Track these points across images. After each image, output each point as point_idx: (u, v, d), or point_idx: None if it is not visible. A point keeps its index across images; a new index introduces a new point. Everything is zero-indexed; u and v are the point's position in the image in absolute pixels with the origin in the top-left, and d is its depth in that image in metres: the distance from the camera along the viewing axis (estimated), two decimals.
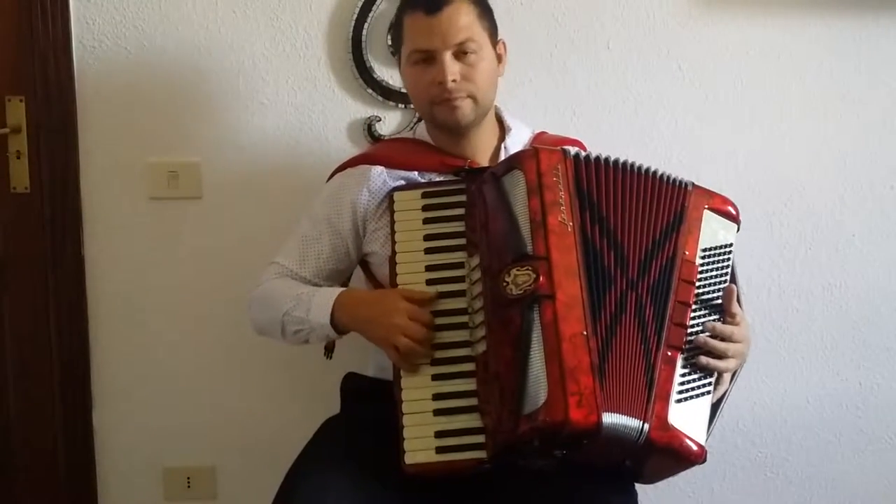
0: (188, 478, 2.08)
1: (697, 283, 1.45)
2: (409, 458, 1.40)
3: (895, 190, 2.02)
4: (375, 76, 1.92)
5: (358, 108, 1.95)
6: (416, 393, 1.43)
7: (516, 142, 1.68)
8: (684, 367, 1.39)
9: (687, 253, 1.45)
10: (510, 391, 1.32)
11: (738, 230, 1.55)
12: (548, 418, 1.28)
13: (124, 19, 1.92)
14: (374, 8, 1.89)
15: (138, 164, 1.96)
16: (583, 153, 1.50)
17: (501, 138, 1.68)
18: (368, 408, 1.51)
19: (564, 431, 1.28)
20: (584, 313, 1.35)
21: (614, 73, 1.95)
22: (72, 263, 1.98)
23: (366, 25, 1.90)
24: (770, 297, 2.03)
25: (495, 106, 1.70)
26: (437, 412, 1.41)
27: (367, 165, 1.65)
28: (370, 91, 1.93)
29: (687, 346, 1.40)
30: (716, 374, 1.43)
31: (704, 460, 1.37)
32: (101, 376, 2.04)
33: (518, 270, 1.37)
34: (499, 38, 1.66)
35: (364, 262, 1.68)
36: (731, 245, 1.52)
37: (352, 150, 1.91)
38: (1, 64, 1.94)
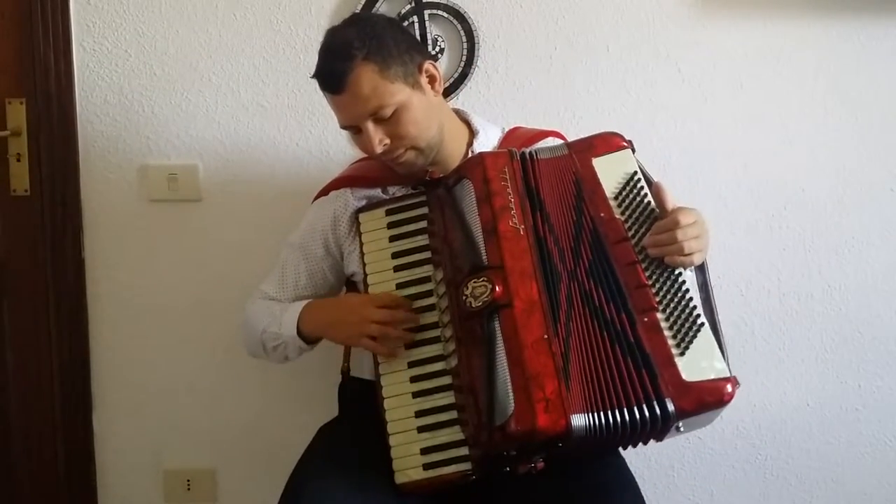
0: (188, 480, 2.08)
1: (630, 232, 1.38)
2: (399, 478, 1.42)
3: (895, 192, 2.02)
4: None
5: None
6: (400, 412, 1.44)
7: (485, 144, 1.63)
8: (667, 318, 1.34)
9: (602, 215, 1.41)
10: (482, 403, 1.32)
11: (634, 150, 1.48)
12: (518, 428, 1.27)
13: (125, 22, 1.93)
14: (374, 11, 1.89)
15: (138, 167, 1.97)
16: (531, 151, 1.48)
17: (470, 142, 1.63)
18: (366, 410, 1.51)
19: (536, 439, 1.28)
20: (543, 316, 1.33)
21: (613, 76, 1.95)
22: (72, 265, 1.99)
23: None
24: (770, 299, 2.02)
25: (460, 110, 1.68)
26: (421, 429, 1.42)
27: (335, 190, 1.66)
28: None
29: (659, 301, 1.34)
30: (698, 309, 1.34)
31: (737, 385, 1.32)
32: (101, 377, 2.05)
33: (475, 283, 1.36)
34: (422, 60, 1.53)
35: (353, 283, 1.68)
36: (636, 172, 1.44)
37: (352, 154, 1.91)
38: (1, 66, 1.94)
